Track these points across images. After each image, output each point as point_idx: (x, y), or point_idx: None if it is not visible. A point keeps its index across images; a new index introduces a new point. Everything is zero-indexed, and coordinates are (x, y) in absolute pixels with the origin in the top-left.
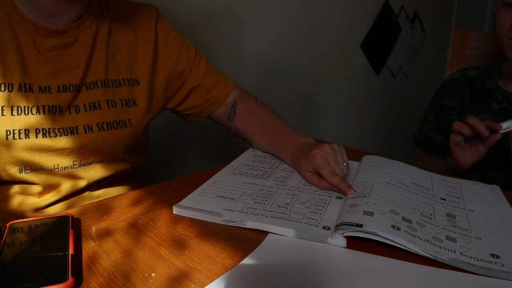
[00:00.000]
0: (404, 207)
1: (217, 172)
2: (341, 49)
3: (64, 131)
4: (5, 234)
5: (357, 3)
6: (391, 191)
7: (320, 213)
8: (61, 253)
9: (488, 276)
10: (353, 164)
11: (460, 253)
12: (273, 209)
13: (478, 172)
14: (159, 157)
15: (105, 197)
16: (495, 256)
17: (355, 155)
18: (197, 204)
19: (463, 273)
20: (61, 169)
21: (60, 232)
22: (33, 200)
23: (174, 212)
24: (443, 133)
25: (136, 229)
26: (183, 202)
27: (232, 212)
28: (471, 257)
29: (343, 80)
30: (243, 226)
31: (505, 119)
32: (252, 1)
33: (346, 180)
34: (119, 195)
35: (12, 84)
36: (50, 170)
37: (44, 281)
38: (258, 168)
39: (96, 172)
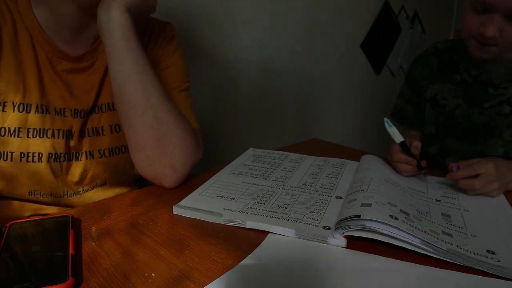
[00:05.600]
0: (401, 202)
1: (217, 172)
2: (341, 49)
3: (69, 156)
4: (5, 234)
5: (357, 3)
6: (389, 187)
7: (320, 213)
8: (61, 253)
9: (484, 274)
10: (353, 164)
11: (457, 246)
12: (273, 209)
13: (437, 143)
14: None
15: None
16: (491, 252)
17: (355, 155)
18: (197, 204)
19: (462, 273)
20: (70, 195)
21: (60, 232)
22: (36, 205)
23: (174, 212)
24: (415, 105)
25: (136, 229)
26: (183, 202)
27: (232, 212)
28: (467, 250)
29: (343, 80)
30: (243, 226)
31: (464, 90)
32: (252, 1)
33: (344, 180)
34: (119, 195)
35: (30, 105)
36: (60, 196)
37: (44, 281)
38: (258, 168)
39: (99, 194)
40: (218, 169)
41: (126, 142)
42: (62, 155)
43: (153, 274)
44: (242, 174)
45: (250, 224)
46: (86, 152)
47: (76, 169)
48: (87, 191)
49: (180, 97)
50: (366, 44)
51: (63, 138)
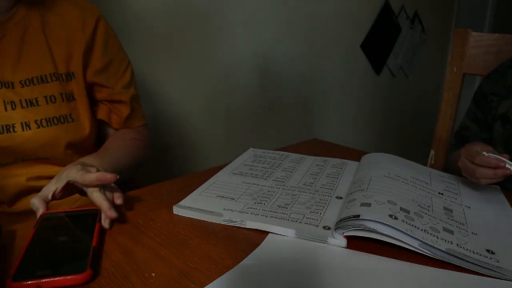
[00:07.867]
0: (401, 198)
1: (217, 172)
2: (341, 49)
3: (1, 129)
4: (38, 222)
5: (357, 3)
6: (389, 184)
7: (320, 213)
8: (84, 245)
9: (483, 275)
10: (353, 164)
11: (457, 245)
12: (273, 209)
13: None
14: (159, 157)
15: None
16: (490, 252)
17: (355, 155)
18: (197, 204)
19: (462, 273)
20: (1, 166)
21: (87, 225)
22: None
23: (174, 212)
24: (481, 123)
25: (136, 229)
26: (183, 202)
27: (232, 212)
28: (467, 249)
29: (343, 80)
30: (243, 226)
31: None
32: (252, 1)
33: (344, 180)
34: None
35: None
36: None
37: (64, 270)
38: (258, 168)
39: (42, 168)
40: (218, 169)
41: (66, 113)
42: None
43: (153, 274)
44: (242, 174)
45: (250, 224)
46: (22, 123)
47: (11, 141)
48: (25, 160)
49: (127, 94)
50: (366, 44)
51: None
